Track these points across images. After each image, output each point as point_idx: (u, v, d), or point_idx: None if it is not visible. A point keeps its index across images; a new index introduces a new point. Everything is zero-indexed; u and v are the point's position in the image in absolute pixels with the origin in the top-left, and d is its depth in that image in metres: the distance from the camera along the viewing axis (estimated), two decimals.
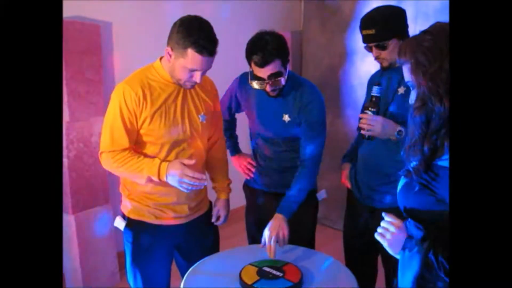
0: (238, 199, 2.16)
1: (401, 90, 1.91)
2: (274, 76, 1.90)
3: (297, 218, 2.07)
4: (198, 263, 1.82)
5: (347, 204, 2.24)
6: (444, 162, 1.20)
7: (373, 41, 1.87)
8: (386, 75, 1.96)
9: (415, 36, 1.22)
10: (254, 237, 2.30)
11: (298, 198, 2.02)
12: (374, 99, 1.82)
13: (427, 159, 1.21)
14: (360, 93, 3.30)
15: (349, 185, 2.17)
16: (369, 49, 1.92)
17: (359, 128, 2.09)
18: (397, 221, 1.24)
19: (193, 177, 1.68)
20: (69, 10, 2.57)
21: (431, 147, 1.19)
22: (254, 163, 2.25)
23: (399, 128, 1.81)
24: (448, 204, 1.13)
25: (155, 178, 1.71)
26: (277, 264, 1.71)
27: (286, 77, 1.95)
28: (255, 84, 1.94)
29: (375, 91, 1.81)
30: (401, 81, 1.91)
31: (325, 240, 2.35)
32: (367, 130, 1.82)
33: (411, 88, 1.26)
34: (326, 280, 1.69)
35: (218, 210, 2.06)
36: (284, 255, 1.81)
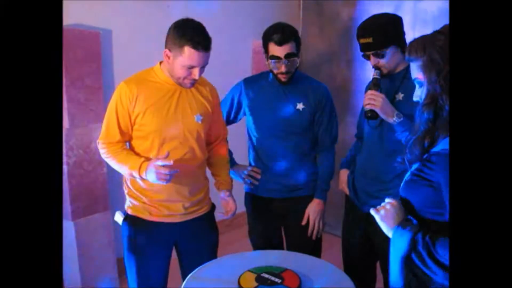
0: (238, 205, 2.17)
1: (399, 96, 1.92)
2: (291, 56, 2.06)
3: (302, 221, 2.19)
4: (197, 269, 1.83)
5: (345, 210, 2.25)
6: (435, 148, 1.23)
7: (371, 50, 1.88)
8: (384, 82, 1.97)
9: (426, 35, 1.25)
10: (261, 248, 2.31)
11: (329, 179, 2.27)
12: (375, 80, 1.88)
13: (424, 151, 1.26)
14: (359, 100, 3.31)
15: (347, 191, 2.18)
16: (367, 57, 1.93)
17: (357, 135, 2.10)
18: (393, 201, 1.30)
19: (162, 167, 1.75)
20: (69, 18, 2.59)
21: (430, 141, 1.24)
22: (258, 170, 2.26)
23: (396, 111, 1.83)
24: (443, 191, 1.16)
25: (136, 174, 1.81)
26: (275, 271, 1.71)
27: (298, 61, 2.11)
28: (271, 65, 2.10)
29: (376, 73, 1.89)
30: (399, 88, 1.92)
31: (324, 246, 2.35)
32: (368, 104, 1.84)
33: (418, 86, 1.28)
34: (325, 286, 1.69)
35: (226, 203, 2.10)
36: (283, 262, 1.81)
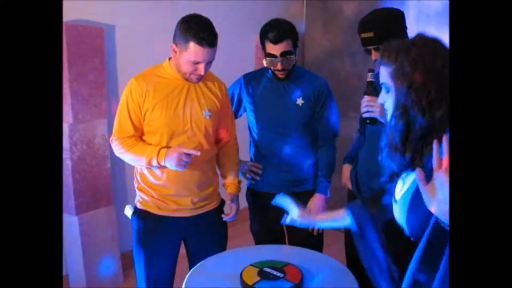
0: (241, 201, 2.18)
1: None
2: (286, 54, 2.05)
3: None
4: (200, 263, 1.84)
5: None
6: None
7: (372, 44, 1.88)
8: None
9: (400, 42, 1.23)
10: (263, 242, 2.32)
11: (329, 174, 2.26)
12: (370, 84, 1.85)
13: (408, 166, 1.22)
14: (361, 95, 3.30)
15: (350, 187, 2.18)
16: (368, 52, 1.93)
17: (359, 130, 2.10)
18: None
19: (188, 154, 1.79)
20: (72, 13, 2.59)
21: (411, 155, 1.20)
22: (259, 166, 2.26)
23: None
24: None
25: (154, 162, 1.83)
26: (277, 265, 1.72)
27: (295, 59, 2.11)
28: (267, 62, 2.09)
29: (369, 76, 1.85)
30: None
31: (326, 241, 2.35)
32: (367, 112, 1.80)
33: (385, 90, 1.26)
34: (327, 281, 1.70)
35: (230, 207, 2.11)
36: (285, 256, 1.82)
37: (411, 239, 1.26)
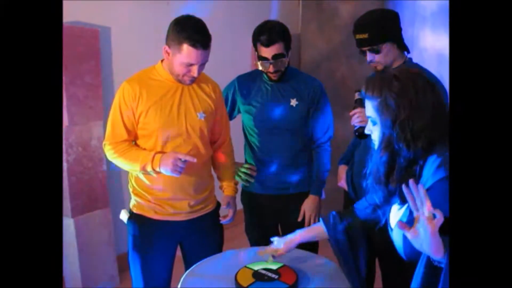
0: (238, 202, 2.19)
1: None
2: (278, 56, 2.05)
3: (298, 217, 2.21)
4: (195, 265, 1.83)
5: (344, 206, 2.25)
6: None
7: (367, 45, 1.88)
8: None
9: (383, 76, 1.26)
10: (258, 244, 2.32)
11: (323, 177, 2.27)
12: (358, 101, 1.86)
13: (389, 196, 1.28)
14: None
15: (346, 188, 2.18)
16: (363, 53, 1.93)
17: (355, 132, 2.09)
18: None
19: (184, 160, 1.78)
20: (68, 15, 2.59)
21: (395, 185, 1.25)
22: (253, 168, 2.26)
23: None
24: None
25: (148, 168, 1.81)
26: (272, 267, 1.72)
27: (288, 61, 2.11)
28: (260, 65, 2.10)
29: (357, 95, 1.87)
30: None
31: (321, 242, 2.34)
32: (358, 124, 1.82)
33: (371, 123, 1.30)
34: (322, 282, 1.70)
35: (225, 208, 2.11)
36: (280, 257, 1.82)
37: (405, 260, 1.30)
